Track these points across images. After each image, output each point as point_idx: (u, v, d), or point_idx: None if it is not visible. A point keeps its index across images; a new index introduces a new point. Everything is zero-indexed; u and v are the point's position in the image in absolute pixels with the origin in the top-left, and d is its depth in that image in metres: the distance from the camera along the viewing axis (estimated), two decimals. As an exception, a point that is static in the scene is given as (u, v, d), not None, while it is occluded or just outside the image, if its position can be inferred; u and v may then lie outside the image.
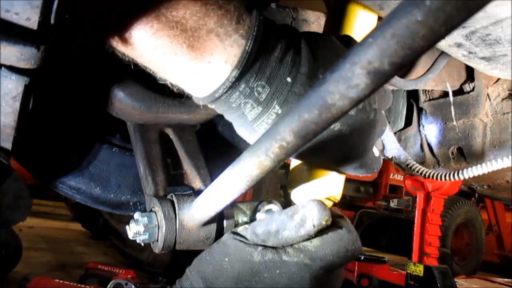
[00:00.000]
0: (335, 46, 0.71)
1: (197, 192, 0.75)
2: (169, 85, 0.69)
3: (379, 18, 0.96)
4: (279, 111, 0.64)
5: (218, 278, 0.64)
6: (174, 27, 0.58)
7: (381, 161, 0.82)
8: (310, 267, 0.62)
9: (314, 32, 0.74)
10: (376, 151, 0.80)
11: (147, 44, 0.60)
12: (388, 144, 1.51)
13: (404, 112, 1.60)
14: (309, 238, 0.63)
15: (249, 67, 0.62)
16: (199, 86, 0.65)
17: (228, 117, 0.69)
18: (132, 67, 0.69)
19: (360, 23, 0.93)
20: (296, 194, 0.82)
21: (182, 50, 0.60)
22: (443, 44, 1.03)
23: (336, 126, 0.67)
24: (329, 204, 0.82)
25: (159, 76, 0.68)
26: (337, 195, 0.83)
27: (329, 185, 0.81)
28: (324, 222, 0.62)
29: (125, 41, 0.61)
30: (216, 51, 0.61)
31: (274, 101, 0.63)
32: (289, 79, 0.63)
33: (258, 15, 0.64)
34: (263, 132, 0.65)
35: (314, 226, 0.62)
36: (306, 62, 0.65)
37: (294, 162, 0.85)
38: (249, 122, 0.66)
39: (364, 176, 2.35)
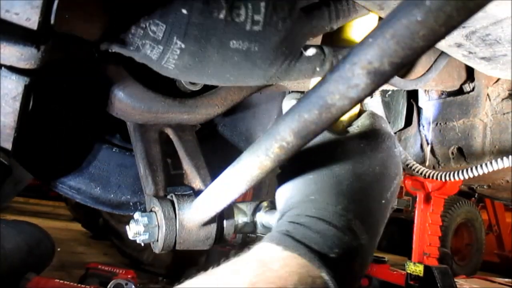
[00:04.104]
0: None
1: (197, 192, 0.75)
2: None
3: (379, 19, 0.96)
4: (183, 46, 0.63)
5: None
6: None
7: None
8: None
9: None
10: None
11: None
12: (388, 144, 1.51)
13: (404, 112, 1.60)
14: None
15: (129, 9, 0.61)
16: (87, 32, 0.66)
17: (138, 59, 0.68)
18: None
19: (360, 23, 0.93)
20: None
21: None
22: (443, 44, 1.03)
23: None
24: None
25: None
26: None
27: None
28: None
29: None
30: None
31: (174, 37, 0.62)
32: (184, 11, 0.61)
33: None
34: (173, 68, 0.64)
35: None
36: None
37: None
38: (156, 61, 0.65)
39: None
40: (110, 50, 0.67)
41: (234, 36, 0.65)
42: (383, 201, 0.59)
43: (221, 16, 0.63)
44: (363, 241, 0.53)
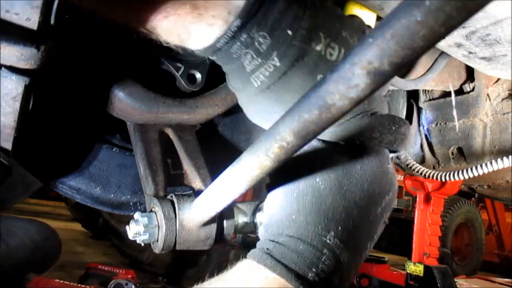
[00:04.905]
0: (337, 12, 0.70)
1: (197, 192, 0.75)
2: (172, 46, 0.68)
3: (378, 18, 0.96)
4: (278, 64, 0.64)
5: None
6: None
7: None
8: None
9: None
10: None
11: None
12: (388, 144, 1.51)
13: (404, 112, 1.60)
14: None
15: (251, 17, 0.62)
16: (201, 39, 0.65)
17: (226, 69, 0.70)
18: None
19: None
20: None
21: (185, 9, 0.61)
22: (443, 44, 1.03)
23: None
24: None
25: (163, 39, 0.67)
26: None
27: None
28: None
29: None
30: (219, 4, 0.62)
31: (274, 53, 0.64)
32: (290, 32, 0.63)
33: None
34: (258, 84, 0.65)
35: None
36: (307, 18, 0.64)
37: None
38: (247, 73, 0.66)
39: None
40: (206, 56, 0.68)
41: (323, 72, 0.66)
42: (371, 218, 0.60)
43: (318, 48, 0.64)
44: (343, 259, 0.56)
